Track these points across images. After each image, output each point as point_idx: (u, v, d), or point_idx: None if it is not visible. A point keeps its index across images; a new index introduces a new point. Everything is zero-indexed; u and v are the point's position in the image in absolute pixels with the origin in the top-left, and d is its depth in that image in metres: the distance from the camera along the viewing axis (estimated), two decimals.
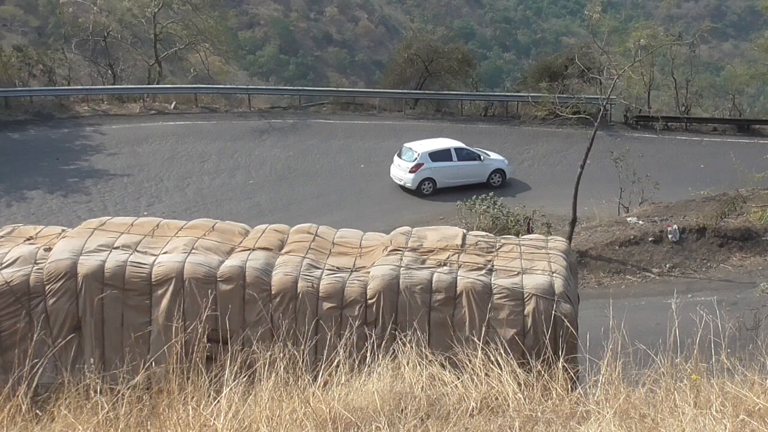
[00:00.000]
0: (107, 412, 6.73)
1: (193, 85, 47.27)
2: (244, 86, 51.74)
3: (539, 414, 6.82)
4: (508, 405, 7.01)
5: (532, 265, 12.54)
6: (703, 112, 46.17)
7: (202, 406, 6.74)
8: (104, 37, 49.58)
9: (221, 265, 12.41)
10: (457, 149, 35.35)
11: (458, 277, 12.02)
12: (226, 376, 7.15)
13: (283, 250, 12.93)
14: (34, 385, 6.83)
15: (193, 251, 12.62)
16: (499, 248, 13.15)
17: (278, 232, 13.61)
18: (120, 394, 6.99)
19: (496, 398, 7.17)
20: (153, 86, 46.64)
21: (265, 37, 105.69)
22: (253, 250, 12.79)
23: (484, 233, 14.02)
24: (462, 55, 47.96)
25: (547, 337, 9.74)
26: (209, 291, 11.99)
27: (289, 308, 12.10)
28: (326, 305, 12.04)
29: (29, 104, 41.92)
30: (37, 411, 6.78)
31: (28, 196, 30.80)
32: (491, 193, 29.90)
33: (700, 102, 46.89)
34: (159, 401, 6.93)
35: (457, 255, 12.72)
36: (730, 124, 43.59)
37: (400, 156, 35.06)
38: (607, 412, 6.55)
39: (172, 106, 43.46)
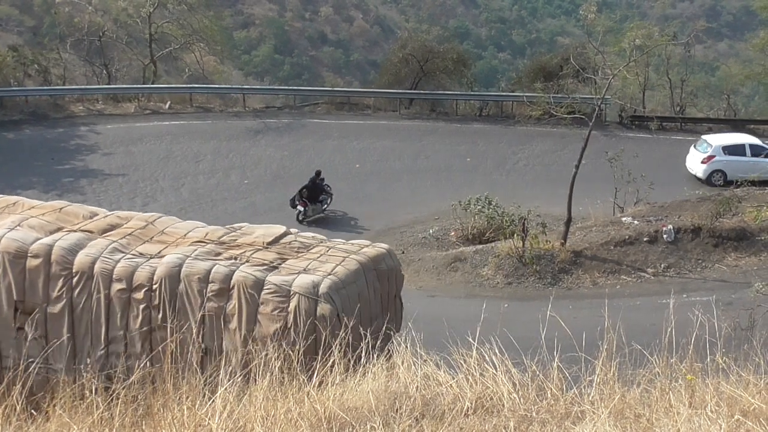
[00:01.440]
0: (102, 412, 6.72)
1: (188, 85, 47.22)
2: (239, 86, 51.71)
3: (534, 414, 6.82)
4: (503, 405, 7.00)
5: (319, 266, 12.81)
6: (698, 112, 46.17)
7: (197, 406, 6.73)
8: (99, 36, 49.50)
9: (35, 242, 13.04)
10: (752, 145, 36.50)
11: (236, 271, 12.43)
12: (221, 375, 7.15)
13: (104, 234, 13.50)
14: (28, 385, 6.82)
15: (17, 228, 13.26)
16: (309, 249, 13.49)
17: (119, 218, 14.26)
18: (115, 394, 6.98)
19: (491, 398, 7.17)
20: (148, 86, 46.60)
21: (260, 36, 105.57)
22: (74, 231, 13.42)
23: (312, 235, 14.29)
24: (457, 55, 47.93)
25: (301, 334, 10.16)
26: (21, 265, 12.84)
27: (86, 287, 12.74)
28: (116, 287, 12.64)
29: (24, 104, 41.87)
30: (32, 411, 6.76)
31: (22, 196, 30.72)
32: (486, 193, 29.91)
33: (695, 102, 46.89)
34: (154, 401, 6.93)
35: (256, 251, 13.06)
36: (725, 124, 43.57)
37: (695, 147, 36.68)
38: (602, 412, 6.55)
39: (167, 105, 43.41)
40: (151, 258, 12.87)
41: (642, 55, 34.53)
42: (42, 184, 32.10)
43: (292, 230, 14.34)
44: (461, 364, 7.69)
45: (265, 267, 12.66)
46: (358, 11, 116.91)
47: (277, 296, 12.16)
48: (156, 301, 12.51)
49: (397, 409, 6.86)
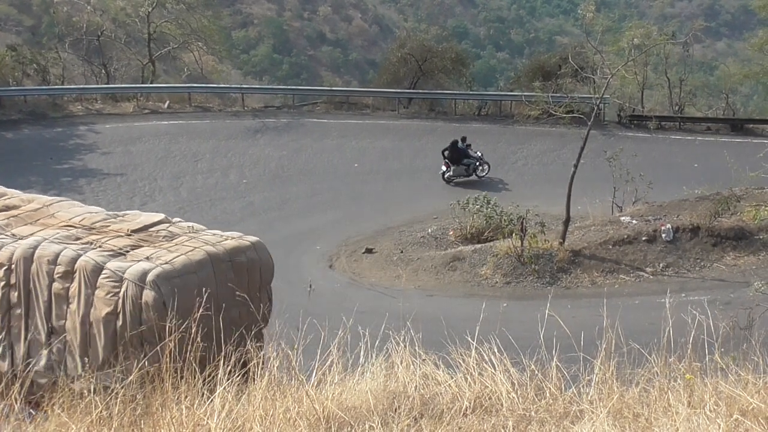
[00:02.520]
0: (100, 411, 6.72)
1: (187, 85, 47.28)
2: (238, 85, 51.78)
3: (533, 413, 6.82)
4: (502, 404, 7.00)
5: (163, 255, 13.14)
6: (696, 111, 46.17)
7: (195, 405, 6.73)
8: (98, 36, 49.53)
9: None
10: None
11: (81, 256, 12.88)
12: (219, 375, 7.15)
13: None
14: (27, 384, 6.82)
15: None
16: (173, 239, 13.87)
17: (21, 200, 15.24)
18: (114, 393, 6.98)
19: (490, 398, 7.17)
20: (146, 85, 46.62)
21: (258, 36, 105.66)
22: None
23: (189, 225, 14.62)
24: (455, 55, 48.01)
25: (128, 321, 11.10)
26: None
27: None
28: None
29: (23, 103, 41.87)
30: (30, 410, 6.76)
31: (21, 195, 30.71)
32: (485, 193, 29.94)
33: (694, 101, 46.89)
34: (152, 400, 6.93)
35: (114, 238, 13.59)
36: (724, 124, 43.61)
37: None
38: (601, 412, 6.55)
39: (166, 105, 43.42)
40: (19, 239, 13.40)
41: (641, 55, 34.47)
42: (41, 183, 32.07)
43: (175, 220, 14.79)
44: (460, 363, 7.69)
45: (111, 253, 13.09)
46: (356, 11, 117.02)
47: (111, 281, 12.61)
48: (13, 281, 13.12)
49: (395, 409, 6.86)
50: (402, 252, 28.13)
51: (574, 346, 7.67)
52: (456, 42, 59.04)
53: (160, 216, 14.72)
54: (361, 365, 7.91)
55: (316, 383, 7.40)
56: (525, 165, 38.02)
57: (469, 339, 7.85)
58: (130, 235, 13.73)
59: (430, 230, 30.20)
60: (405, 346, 8.01)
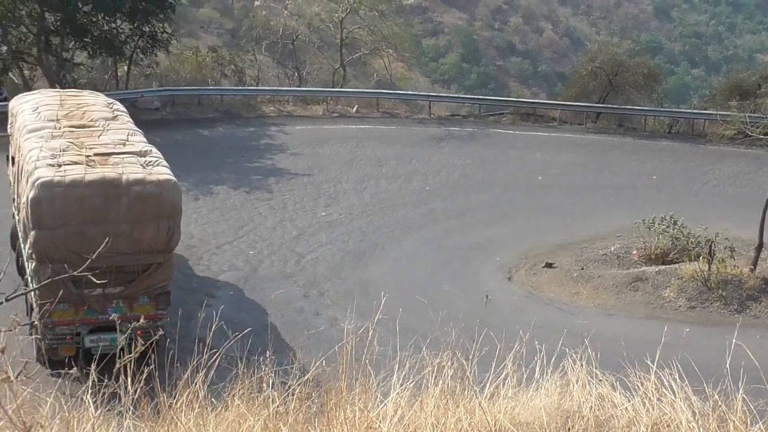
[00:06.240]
0: (278, 407, 6.88)
1: (375, 90, 48.15)
2: (425, 93, 52.22)
3: None
4: None
5: (72, 169, 17.86)
6: None
7: (368, 408, 6.79)
8: (293, 40, 51.22)
9: None
10: None
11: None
12: (393, 380, 7.19)
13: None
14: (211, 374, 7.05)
15: None
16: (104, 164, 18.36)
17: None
18: (290, 389, 7.13)
19: (668, 425, 6.91)
20: (337, 90, 47.70)
21: (448, 45, 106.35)
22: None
23: (146, 159, 18.99)
24: (648, 70, 46.93)
25: None
26: None
27: None
28: None
29: (219, 103, 43.59)
30: (212, 399, 6.99)
31: (214, 191, 31.94)
32: (671, 213, 29.02)
33: None
34: (327, 399, 7.03)
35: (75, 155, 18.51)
36: None
37: None
38: None
39: (354, 109, 44.27)
40: None
41: None
42: (232, 180, 33.24)
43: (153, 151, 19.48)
44: (638, 386, 7.46)
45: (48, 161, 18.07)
46: (548, 22, 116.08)
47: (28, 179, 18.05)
48: None
49: (569, 428, 6.72)
50: (582, 268, 27.61)
51: (763, 378, 7.30)
52: (649, 57, 57.59)
53: (143, 148, 19.41)
54: (536, 381, 7.80)
55: (489, 395, 7.33)
56: (716, 186, 36.64)
57: (649, 362, 7.60)
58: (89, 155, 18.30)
59: (612, 248, 29.52)
60: (582, 365, 7.83)
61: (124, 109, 23.19)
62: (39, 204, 17.18)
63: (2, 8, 37.82)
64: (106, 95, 25.82)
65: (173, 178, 18.55)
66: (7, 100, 35.85)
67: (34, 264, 17.54)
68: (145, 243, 17.84)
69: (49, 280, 11.57)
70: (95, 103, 22.59)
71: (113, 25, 40.99)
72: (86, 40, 40.19)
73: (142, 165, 18.46)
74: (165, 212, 18.08)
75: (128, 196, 17.64)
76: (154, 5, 40.19)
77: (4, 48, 38.80)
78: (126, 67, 44.03)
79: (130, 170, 18.02)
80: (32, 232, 17.33)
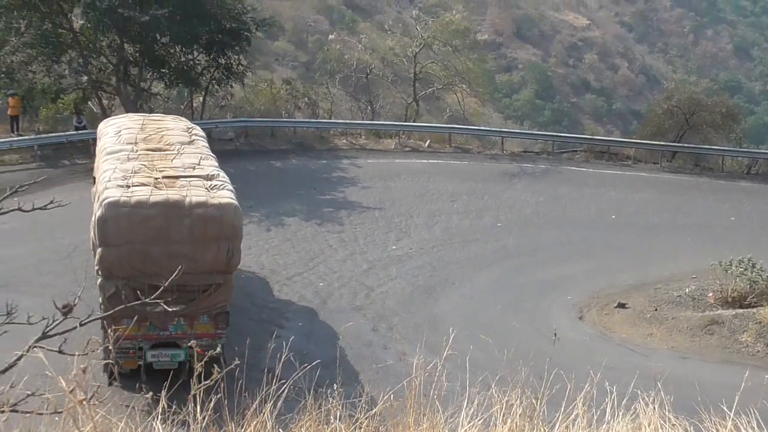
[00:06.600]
0: None
1: (448, 125, 48.05)
2: (498, 129, 52.09)
3: None
4: None
5: (139, 191, 18.81)
6: None
7: None
8: (366, 74, 51.54)
9: None
10: None
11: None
12: (461, 417, 7.06)
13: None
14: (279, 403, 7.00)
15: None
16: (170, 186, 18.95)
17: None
18: (358, 423, 7.04)
19: None
20: (409, 124, 47.79)
21: (522, 81, 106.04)
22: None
23: (212, 183, 19.49)
24: (726, 109, 46.23)
25: None
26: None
27: None
28: None
29: (293, 135, 43.97)
30: (280, 430, 6.93)
31: (285, 222, 32.12)
32: (749, 255, 28.36)
33: None
34: None
35: (146, 177, 19.55)
36: None
37: None
38: None
39: (426, 144, 44.29)
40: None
41: None
42: (304, 212, 33.39)
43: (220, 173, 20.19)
44: None
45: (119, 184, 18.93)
46: (623, 60, 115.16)
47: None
48: None
49: None
50: (656, 310, 27.09)
51: None
52: (727, 96, 56.79)
53: (211, 172, 19.93)
54: (607, 422, 7.60)
55: None
56: None
57: (725, 408, 7.35)
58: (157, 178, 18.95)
59: (687, 290, 28.93)
60: (654, 408, 7.61)
61: (203, 134, 23.79)
62: (105, 222, 18.00)
63: (84, 39, 38.83)
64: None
65: (235, 201, 19.06)
66: (86, 128, 36.59)
67: (100, 280, 18.20)
68: (205, 263, 18.37)
69: (127, 305, 11.66)
70: (174, 127, 23.15)
71: (190, 57, 41.68)
72: (163, 70, 40.95)
73: (206, 188, 18.96)
74: (225, 234, 18.61)
75: (190, 218, 18.26)
76: (230, 38, 40.79)
77: (85, 78, 39.60)
78: (201, 98, 44.72)
79: (194, 193, 18.60)
80: (98, 249, 18.05)
